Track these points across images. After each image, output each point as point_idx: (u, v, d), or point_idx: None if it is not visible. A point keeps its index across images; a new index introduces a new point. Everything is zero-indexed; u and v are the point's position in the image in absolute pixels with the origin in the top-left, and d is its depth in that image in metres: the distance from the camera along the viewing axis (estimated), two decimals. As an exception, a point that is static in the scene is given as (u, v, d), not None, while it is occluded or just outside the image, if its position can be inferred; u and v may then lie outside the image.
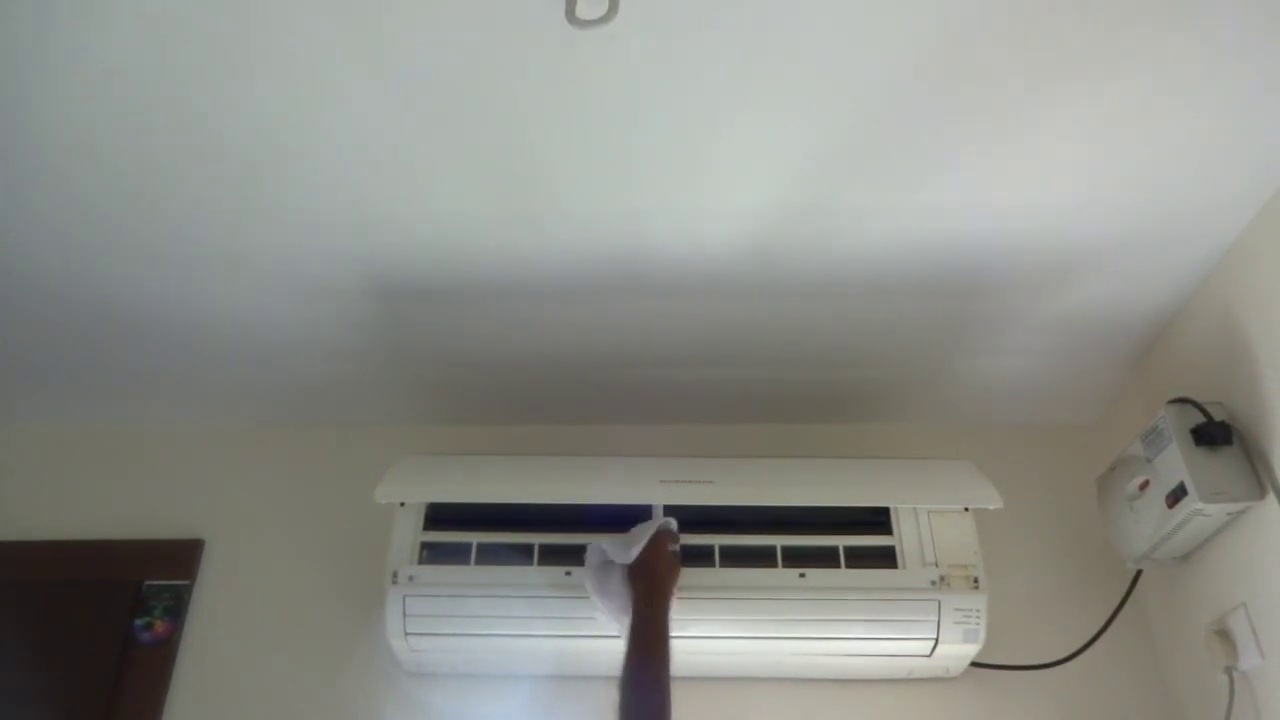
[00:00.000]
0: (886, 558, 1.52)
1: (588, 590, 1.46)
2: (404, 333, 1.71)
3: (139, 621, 1.74)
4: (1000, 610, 1.53)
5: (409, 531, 1.56)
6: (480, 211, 1.43)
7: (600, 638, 1.50)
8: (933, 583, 1.50)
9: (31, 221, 1.46)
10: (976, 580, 1.51)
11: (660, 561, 1.45)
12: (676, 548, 1.51)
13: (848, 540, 1.53)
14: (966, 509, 1.57)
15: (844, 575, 1.51)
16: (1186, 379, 1.58)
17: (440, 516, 1.58)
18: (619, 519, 1.55)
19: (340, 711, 1.65)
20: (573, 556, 1.52)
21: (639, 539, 1.46)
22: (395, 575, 1.52)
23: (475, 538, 1.54)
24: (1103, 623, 1.60)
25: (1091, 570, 1.71)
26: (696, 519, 1.56)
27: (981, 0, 1.10)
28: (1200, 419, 1.41)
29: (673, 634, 1.36)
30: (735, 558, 1.53)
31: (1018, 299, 1.60)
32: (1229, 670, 1.42)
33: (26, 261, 1.54)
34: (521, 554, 1.53)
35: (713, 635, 1.52)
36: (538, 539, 1.54)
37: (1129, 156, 1.32)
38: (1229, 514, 1.40)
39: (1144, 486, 1.48)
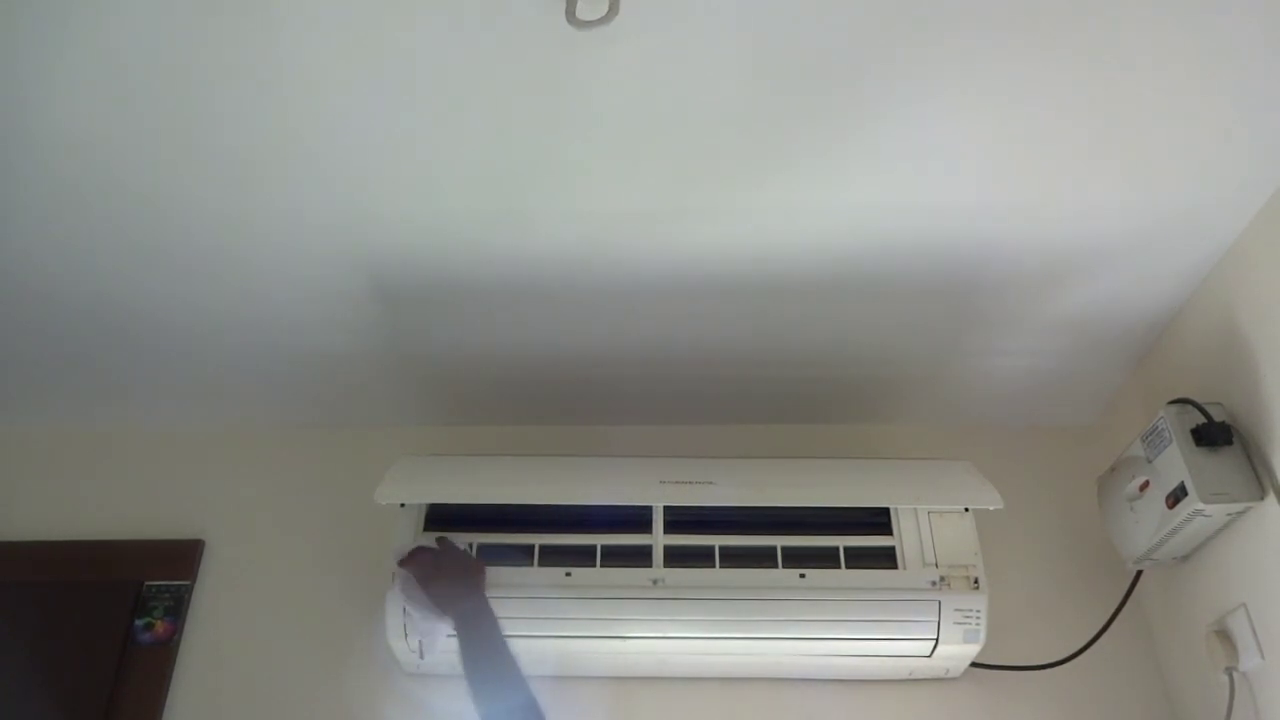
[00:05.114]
0: (887, 558, 1.52)
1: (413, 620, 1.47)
2: (404, 333, 1.71)
3: (139, 621, 1.74)
4: (1000, 610, 1.53)
5: (409, 532, 1.56)
6: (480, 212, 1.43)
7: (600, 638, 1.51)
8: (933, 583, 1.50)
9: (31, 222, 1.46)
10: (977, 580, 1.51)
11: (443, 573, 1.46)
12: (463, 547, 1.53)
13: (848, 541, 1.53)
14: (967, 509, 1.57)
15: (844, 576, 1.51)
16: (1186, 379, 1.58)
17: (440, 517, 1.58)
18: (619, 519, 1.55)
19: (340, 711, 1.65)
20: (573, 557, 1.52)
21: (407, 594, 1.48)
22: (395, 576, 1.52)
23: (475, 538, 1.54)
24: (1103, 623, 1.60)
25: (1091, 570, 1.71)
26: (697, 519, 1.56)
27: (983, 1, 1.11)
28: (1200, 419, 1.41)
29: (670, 635, 1.35)
30: (735, 558, 1.53)
31: (1018, 299, 1.60)
32: (1229, 671, 1.42)
33: (26, 262, 1.54)
34: (522, 554, 1.53)
35: (713, 635, 1.52)
36: (538, 539, 1.54)
37: (1129, 156, 1.32)
38: (1229, 514, 1.40)
39: (1144, 487, 1.48)
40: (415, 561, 1.48)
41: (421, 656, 1.51)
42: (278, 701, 1.67)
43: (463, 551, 1.52)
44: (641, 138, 1.30)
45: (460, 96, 1.23)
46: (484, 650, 1.34)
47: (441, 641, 1.46)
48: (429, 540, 1.54)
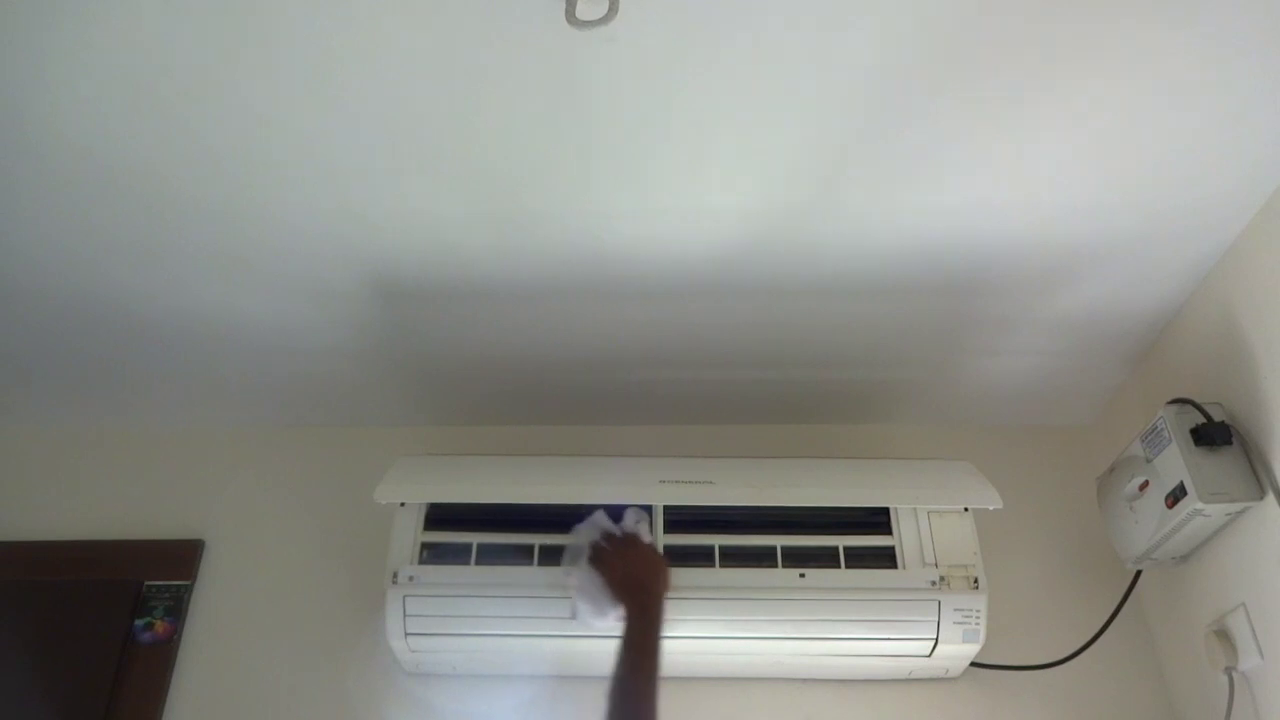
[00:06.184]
0: (886, 558, 1.52)
1: (572, 590, 1.46)
2: (403, 333, 1.71)
3: (139, 621, 1.74)
4: (1000, 610, 1.53)
5: (409, 532, 1.56)
6: (480, 212, 1.43)
7: (601, 638, 1.50)
8: (933, 583, 1.50)
9: (31, 223, 1.46)
10: (976, 580, 1.51)
11: (642, 570, 1.43)
12: (650, 539, 1.50)
13: (848, 540, 1.53)
14: (966, 509, 1.57)
15: (844, 575, 1.51)
16: (1186, 379, 1.58)
17: (440, 517, 1.58)
18: (619, 520, 1.55)
19: (340, 711, 1.65)
20: (574, 557, 1.52)
21: (581, 551, 1.47)
22: (395, 575, 1.52)
23: (475, 538, 1.54)
24: (1103, 623, 1.60)
25: (1091, 570, 1.71)
26: (696, 519, 1.56)
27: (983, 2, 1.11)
28: (1200, 419, 1.41)
29: (669, 635, 1.35)
30: (735, 558, 1.53)
31: (1017, 299, 1.60)
32: (1229, 670, 1.42)
33: (27, 262, 1.54)
34: (522, 554, 1.53)
35: (713, 635, 1.52)
36: (538, 539, 1.54)
37: (1129, 156, 1.32)
38: (1228, 514, 1.40)
39: (1144, 487, 1.48)
40: (601, 553, 1.45)
41: (573, 616, 1.47)
42: (278, 701, 1.67)
43: (651, 547, 1.49)
44: (641, 138, 1.30)
45: (460, 96, 1.23)
46: (641, 665, 1.29)
47: (599, 623, 1.43)
48: (430, 538, 1.54)
